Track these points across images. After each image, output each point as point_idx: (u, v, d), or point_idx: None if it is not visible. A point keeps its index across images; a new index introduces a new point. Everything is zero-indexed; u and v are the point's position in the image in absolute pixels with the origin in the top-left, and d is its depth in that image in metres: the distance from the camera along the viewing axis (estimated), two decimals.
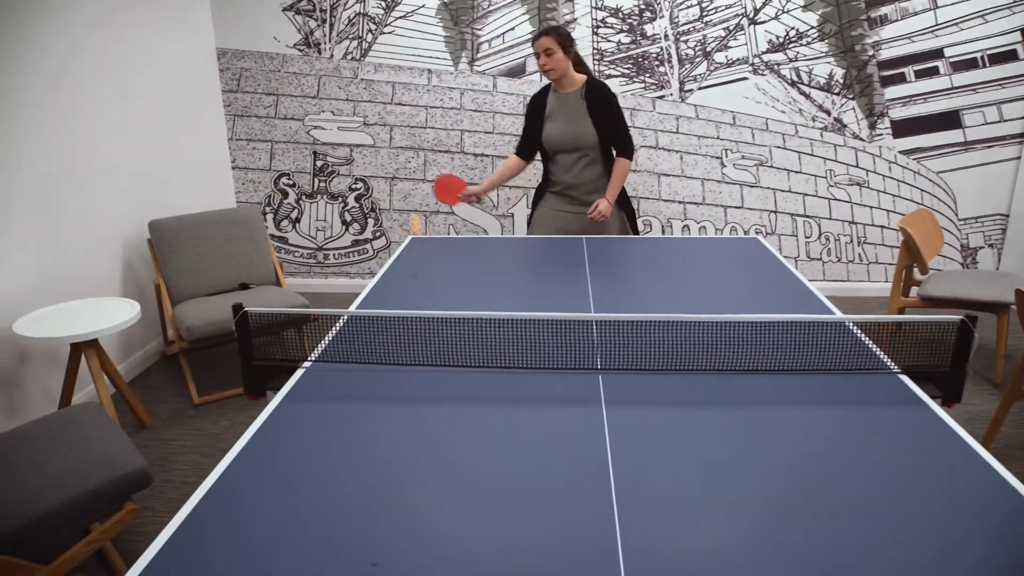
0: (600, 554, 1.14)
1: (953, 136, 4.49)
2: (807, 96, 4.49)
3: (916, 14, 4.29)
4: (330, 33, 4.52)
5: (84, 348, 2.90)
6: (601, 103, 3.19)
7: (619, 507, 1.26)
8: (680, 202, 4.69)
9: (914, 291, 3.92)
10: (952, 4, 4.25)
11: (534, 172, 4.62)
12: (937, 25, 4.30)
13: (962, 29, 4.29)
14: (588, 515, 1.24)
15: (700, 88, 4.48)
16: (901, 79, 4.42)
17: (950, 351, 1.73)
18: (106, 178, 3.51)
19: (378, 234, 4.84)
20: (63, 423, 2.31)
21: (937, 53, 4.35)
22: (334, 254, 4.90)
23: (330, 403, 1.67)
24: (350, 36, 4.52)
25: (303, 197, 4.79)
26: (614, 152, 3.29)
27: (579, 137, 3.21)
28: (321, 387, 1.75)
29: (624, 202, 3.41)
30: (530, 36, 4.45)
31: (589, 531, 1.20)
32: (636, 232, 3.49)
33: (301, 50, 4.55)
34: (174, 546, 1.18)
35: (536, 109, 3.30)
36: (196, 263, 3.68)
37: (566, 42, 3.14)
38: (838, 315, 1.88)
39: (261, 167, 4.74)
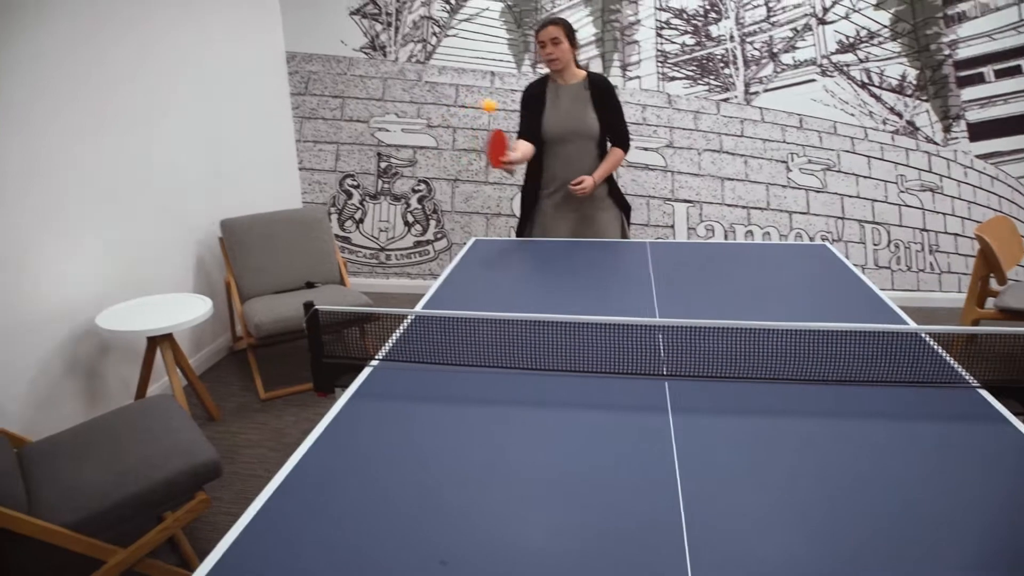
0: (667, 564, 1.14)
1: None
2: (878, 98, 4.36)
3: (998, 9, 4.13)
4: (395, 36, 4.59)
5: (159, 342, 3.01)
6: (605, 95, 3.19)
7: (687, 516, 1.25)
8: (744, 207, 4.61)
9: (990, 302, 3.77)
10: None
11: None
12: (1021, 21, 4.13)
13: None
14: (655, 523, 1.23)
15: (766, 90, 4.40)
16: (979, 79, 4.26)
17: None
18: (180, 178, 3.63)
19: (439, 235, 4.90)
20: (140, 413, 2.40)
21: (1020, 51, 4.18)
22: (396, 255, 4.98)
23: (398, 401, 1.70)
24: (415, 39, 4.58)
25: (367, 198, 4.88)
26: (608, 145, 3.27)
27: (583, 126, 3.17)
28: (389, 386, 1.79)
29: (621, 202, 3.36)
30: (594, 38, 4.44)
31: (656, 539, 1.19)
32: (627, 235, 3.42)
33: (367, 53, 4.64)
34: (246, 540, 1.22)
35: (534, 99, 3.23)
36: (264, 261, 3.78)
37: (571, 34, 3.13)
38: (912, 326, 1.83)
39: (327, 168, 4.85)
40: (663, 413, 1.61)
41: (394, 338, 2.07)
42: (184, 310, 3.06)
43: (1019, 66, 4.20)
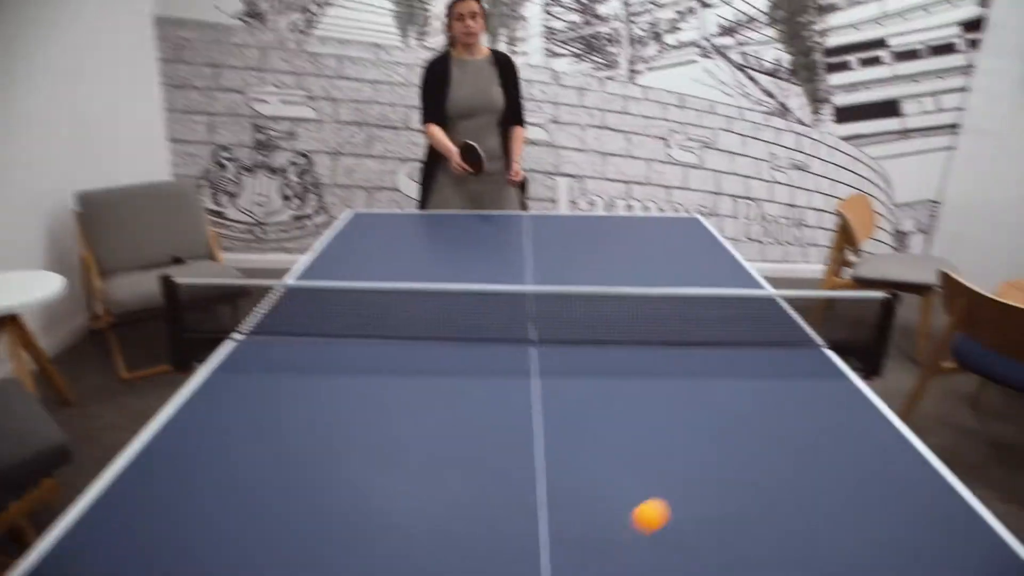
0: (523, 525, 1.14)
1: (892, 124, 4.60)
2: (754, 80, 4.53)
3: (862, 3, 4.37)
4: (275, 4, 4.38)
5: (3, 324, 2.78)
6: (510, 72, 3.27)
7: (548, 475, 1.25)
8: (624, 182, 4.71)
9: (848, 273, 4.01)
10: None
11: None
12: (883, 15, 4.38)
13: (906, 19, 4.38)
14: (514, 483, 1.23)
15: (649, 69, 4.49)
16: (845, 67, 4.50)
17: (873, 327, 1.76)
18: (30, 145, 3.35)
19: (319, 210, 4.75)
20: None
21: (881, 43, 4.44)
22: (273, 229, 4.79)
23: (261, 375, 1.63)
24: (296, 7, 4.39)
25: (242, 171, 4.66)
26: (508, 124, 3.34)
27: (490, 101, 3.22)
28: (252, 360, 1.71)
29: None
30: None
31: (514, 500, 1.19)
32: (525, 207, 3.48)
33: (245, 21, 4.41)
34: (89, 520, 1.14)
35: (437, 75, 3.21)
36: (127, 236, 3.56)
37: (484, 11, 3.18)
38: (768, 290, 1.91)
39: (199, 140, 4.59)
40: (528, 378, 1.61)
41: (259, 311, 1.98)
42: (31, 288, 2.83)
43: (878, 57, 4.46)
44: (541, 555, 1.07)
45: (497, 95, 3.23)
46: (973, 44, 4.39)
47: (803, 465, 1.30)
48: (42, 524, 2.34)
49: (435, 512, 1.16)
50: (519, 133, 3.36)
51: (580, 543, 1.09)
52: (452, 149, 3.14)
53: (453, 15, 3.13)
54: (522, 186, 3.44)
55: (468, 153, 3.11)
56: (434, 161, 3.35)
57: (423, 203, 3.42)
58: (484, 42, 3.30)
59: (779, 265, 4.90)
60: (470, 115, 3.22)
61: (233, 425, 1.41)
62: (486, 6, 4.35)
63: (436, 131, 3.23)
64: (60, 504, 2.47)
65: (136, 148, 4.26)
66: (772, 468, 1.29)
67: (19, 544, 2.23)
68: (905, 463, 1.32)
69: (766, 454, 1.33)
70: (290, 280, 2.23)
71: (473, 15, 3.10)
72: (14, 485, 1.98)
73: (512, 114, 3.32)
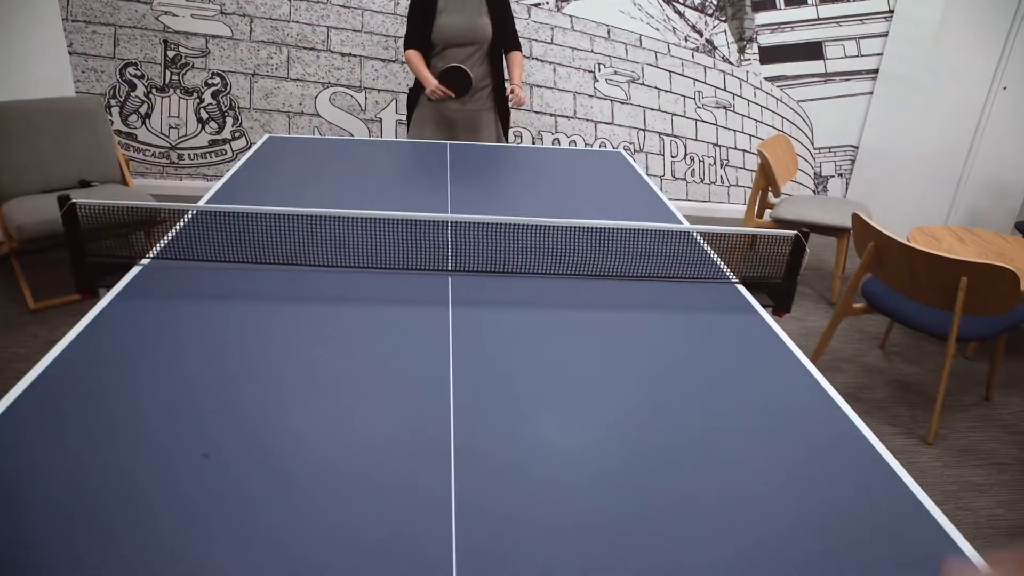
0: (434, 453, 1.15)
1: (815, 67, 4.68)
2: (681, 15, 4.52)
3: None
4: None
5: None
6: (500, 1, 3.26)
7: (455, 404, 1.27)
8: (551, 115, 4.67)
9: (767, 214, 4.13)
10: None
11: (404, 76, 4.45)
12: None
13: None
14: (426, 413, 1.24)
15: None
16: (772, 5, 4.53)
17: (784, 264, 1.83)
18: None
19: (237, 134, 4.56)
20: None
21: None
22: (189, 154, 4.58)
23: (169, 301, 1.57)
24: None
25: (153, 91, 4.41)
26: (503, 49, 3.36)
27: (477, 31, 3.20)
28: (161, 285, 1.65)
29: (502, 106, 3.44)
30: None
31: (426, 430, 1.20)
32: (507, 138, 3.50)
33: None
34: None
35: (425, 4, 3.19)
36: (27, 157, 3.34)
37: None
38: (685, 225, 1.95)
39: (104, 54, 4.30)
40: (443, 307, 1.61)
41: (169, 236, 1.91)
42: None
43: None
44: (452, 496, 1.09)
45: (484, 25, 3.20)
46: None
47: (709, 398, 1.35)
48: None
49: (343, 445, 1.16)
50: (518, 58, 3.36)
51: (488, 477, 1.11)
52: (428, 77, 3.17)
53: None
54: (505, 117, 3.47)
55: (451, 76, 3.12)
56: (417, 89, 3.35)
57: (408, 127, 3.45)
58: None
59: (702, 204, 5.00)
60: (457, 44, 3.20)
61: (136, 353, 1.37)
62: None
63: (414, 57, 3.23)
64: None
65: (33, 60, 3.97)
66: (679, 400, 1.33)
67: None
68: (808, 398, 1.38)
69: (674, 386, 1.37)
70: (203, 202, 2.15)
71: None
72: None
73: (508, 40, 3.34)
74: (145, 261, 1.77)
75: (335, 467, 1.10)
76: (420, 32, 3.20)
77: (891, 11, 4.51)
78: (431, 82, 3.15)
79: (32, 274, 3.53)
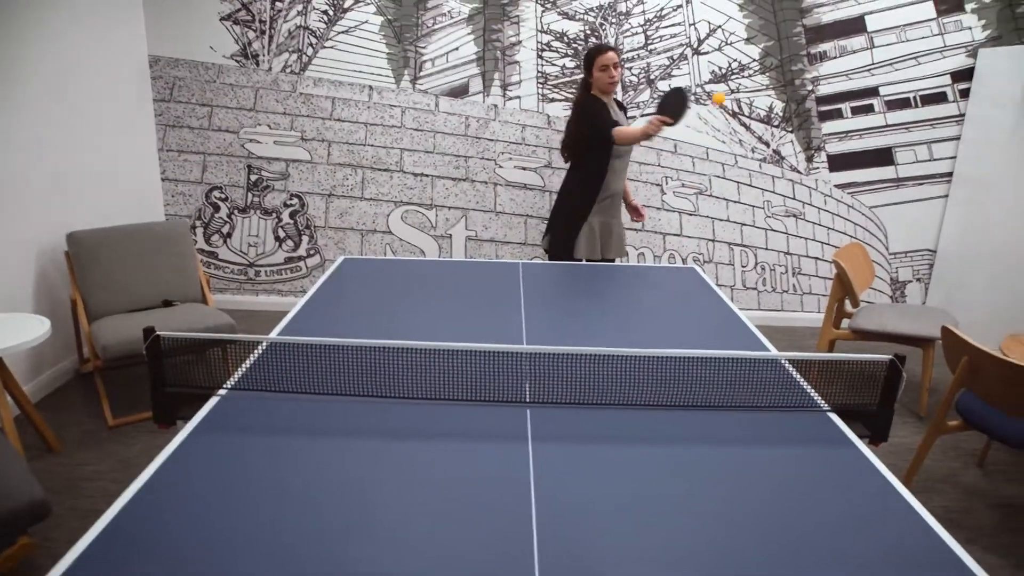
0: None
1: (886, 172, 4.61)
2: (747, 127, 4.55)
3: (854, 52, 4.41)
4: (269, 45, 4.40)
5: None
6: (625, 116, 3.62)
7: (539, 541, 1.19)
8: None
9: (845, 323, 3.98)
10: (887, 45, 4.38)
11: (475, 193, 4.57)
12: (873, 64, 4.42)
13: (896, 69, 4.42)
14: (509, 552, 1.17)
15: (643, 115, 4.50)
16: (838, 115, 4.53)
17: (879, 390, 1.72)
18: (22, 184, 3.31)
19: (312, 252, 4.71)
20: None
21: (873, 91, 4.47)
22: (266, 271, 4.74)
23: (245, 434, 1.57)
24: (290, 49, 4.41)
25: (235, 212, 4.63)
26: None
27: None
28: (236, 417, 1.65)
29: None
30: (475, 56, 4.41)
31: (507, 567, 1.13)
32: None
33: (238, 61, 4.42)
34: None
35: (605, 109, 3.42)
36: (117, 278, 3.50)
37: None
38: (772, 352, 1.87)
39: (192, 179, 4.57)
40: (523, 441, 1.56)
41: (247, 365, 1.93)
42: (16, 331, 2.77)
43: (871, 105, 4.49)
44: None
45: None
46: (964, 94, 4.42)
47: (804, 535, 1.24)
48: None
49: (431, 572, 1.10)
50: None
51: None
52: (641, 125, 3.22)
53: (597, 66, 3.40)
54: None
55: (671, 103, 3.17)
56: (590, 197, 3.52)
57: (568, 241, 3.53)
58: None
59: (775, 313, 4.87)
60: (622, 155, 3.51)
61: (213, 489, 1.35)
62: (478, 51, 4.40)
63: (622, 128, 3.33)
64: (36, 559, 2.38)
65: (130, 188, 4.23)
66: (772, 540, 1.23)
67: None
68: (910, 532, 1.26)
69: (766, 525, 1.27)
70: (279, 330, 2.18)
71: (617, 66, 3.40)
72: None
73: None
74: (222, 392, 1.79)
75: None
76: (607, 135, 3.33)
77: (962, 115, 4.45)
78: (653, 121, 3.14)
79: (111, 388, 3.63)
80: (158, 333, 1.78)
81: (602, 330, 2.25)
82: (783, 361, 2.06)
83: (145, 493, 1.34)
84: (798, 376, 1.95)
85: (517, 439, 1.57)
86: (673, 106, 3.16)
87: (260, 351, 2.01)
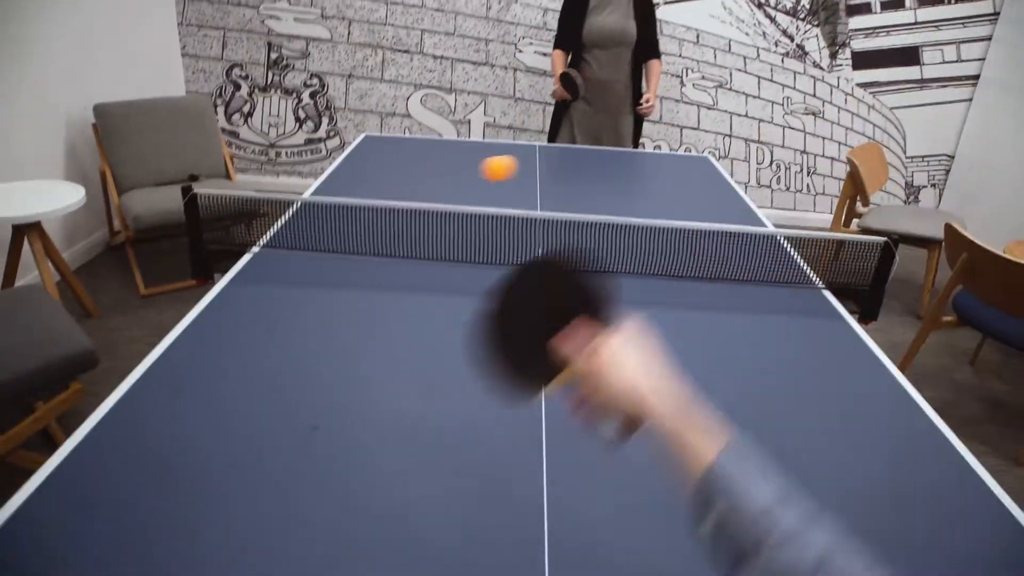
0: (526, 432, 1.22)
1: (911, 72, 4.55)
2: (772, 20, 4.47)
3: None
4: None
5: (27, 231, 2.84)
6: (645, 5, 3.33)
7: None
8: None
9: (855, 223, 4.05)
10: None
11: (503, 79, 4.55)
12: None
13: None
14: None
15: (666, 3, 4.42)
16: (867, 9, 4.43)
17: (871, 271, 1.82)
18: (48, 56, 3.36)
19: (332, 133, 4.76)
20: (7, 304, 2.29)
21: None
22: (286, 152, 4.81)
23: (276, 286, 1.70)
24: None
25: (256, 91, 4.65)
26: (643, 56, 3.41)
27: (626, 33, 3.29)
28: (269, 271, 1.78)
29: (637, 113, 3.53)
30: None
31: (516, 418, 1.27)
32: (635, 146, 3.60)
33: None
34: (112, 421, 1.21)
35: (577, 3, 3.31)
36: (144, 152, 3.59)
37: None
38: (770, 228, 1.96)
39: (213, 56, 4.57)
40: None
41: (277, 226, 2.05)
42: (54, 198, 2.89)
43: (903, 0, 4.39)
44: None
45: (631, 28, 3.29)
46: None
47: (798, 402, 1.38)
48: (71, 427, 2.46)
49: (443, 410, 1.24)
50: (656, 67, 3.44)
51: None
52: (559, 71, 3.32)
53: None
54: (639, 122, 3.53)
55: (565, 81, 3.24)
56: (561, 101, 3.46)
57: (553, 131, 3.55)
58: None
59: (788, 212, 4.93)
60: (604, 45, 3.30)
61: (247, 331, 1.49)
62: None
63: (556, 58, 3.38)
64: (86, 407, 2.58)
65: (152, 62, 4.25)
66: (766, 403, 1.36)
67: (49, 443, 2.35)
68: (895, 407, 1.39)
69: (762, 389, 1.41)
70: (307, 196, 2.29)
71: None
72: (43, 387, 2.07)
73: (648, 47, 3.40)
74: (256, 249, 1.91)
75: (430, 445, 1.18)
76: (570, 32, 3.32)
77: (996, 13, 4.35)
78: (555, 84, 3.30)
79: (141, 261, 3.78)
80: (196, 191, 1.89)
81: (615, 208, 2.34)
82: (780, 238, 2.16)
83: (184, 337, 1.48)
84: (797, 256, 2.05)
85: None
86: (572, 89, 3.24)
87: (289, 215, 2.12)
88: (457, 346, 1.48)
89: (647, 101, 3.33)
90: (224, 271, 1.81)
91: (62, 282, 3.22)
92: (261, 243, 1.94)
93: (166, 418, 1.21)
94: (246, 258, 1.85)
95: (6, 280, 2.96)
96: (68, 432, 2.32)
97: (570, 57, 3.43)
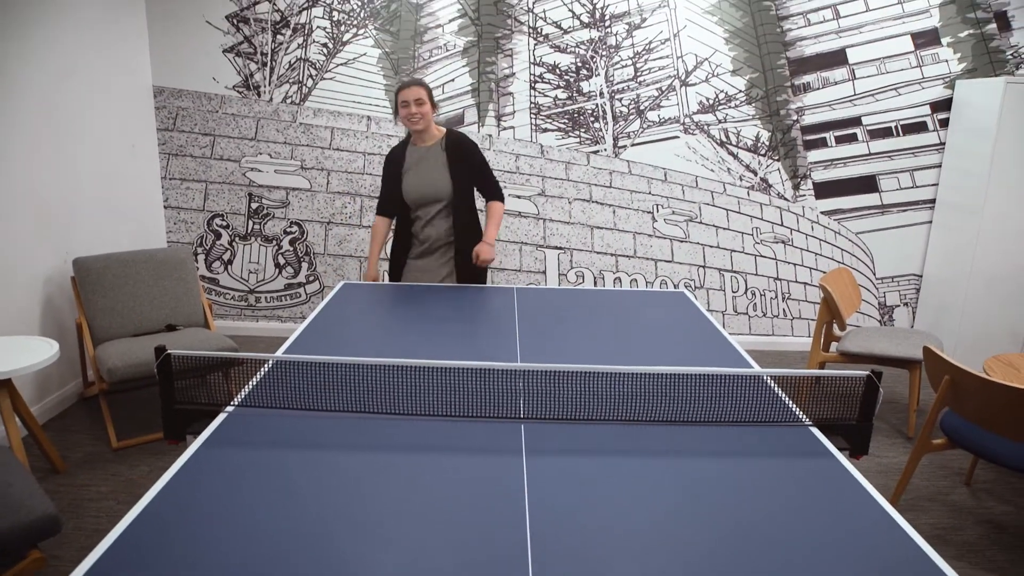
0: None
1: (871, 199, 4.74)
2: (735, 156, 4.68)
3: (836, 84, 4.56)
4: (270, 76, 4.53)
5: None
6: (461, 154, 3.20)
7: (532, 545, 1.27)
8: (612, 255, 4.80)
9: (834, 347, 4.08)
10: (868, 77, 4.53)
11: None
12: (855, 95, 4.57)
13: (878, 100, 4.56)
14: (504, 556, 1.25)
15: (633, 144, 4.64)
16: (823, 143, 4.67)
17: (858, 405, 1.81)
18: (29, 210, 3.41)
19: (312, 278, 4.80)
20: None
21: (855, 121, 4.62)
22: (266, 297, 4.83)
23: (251, 449, 1.64)
24: (290, 80, 4.54)
25: (236, 239, 4.73)
26: (483, 201, 3.31)
27: (435, 191, 3.18)
28: (243, 432, 1.73)
29: (465, 266, 3.32)
30: (470, 88, 4.55)
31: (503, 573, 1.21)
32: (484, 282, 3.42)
33: (240, 92, 4.55)
34: None
35: (394, 164, 3.25)
36: (121, 303, 3.58)
37: (432, 96, 3.15)
38: (755, 368, 1.96)
39: (194, 207, 4.67)
40: (518, 455, 1.64)
41: (252, 383, 2.01)
42: (25, 354, 2.85)
43: (855, 134, 4.64)
44: None
45: (443, 182, 3.17)
46: (943, 123, 4.57)
47: (789, 547, 1.32)
48: None
49: None
50: (495, 209, 3.29)
51: None
52: (372, 260, 3.36)
53: (399, 102, 3.10)
54: (471, 274, 3.33)
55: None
56: (402, 249, 3.35)
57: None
58: (458, 120, 3.32)
59: (766, 338, 4.97)
60: (422, 204, 3.22)
61: (219, 503, 1.42)
62: (473, 83, 4.53)
63: (376, 229, 3.35)
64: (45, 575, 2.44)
65: (134, 215, 4.33)
66: (758, 551, 1.31)
67: None
68: (892, 544, 1.34)
69: (752, 536, 1.35)
70: (281, 352, 2.26)
71: (418, 101, 3.06)
72: (1, 555, 1.96)
73: (485, 192, 3.30)
74: (229, 409, 1.86)
75: None
76: (390, 197, 3.26)
77: (942, 144, 4.59)
78: (371, 268, 3.36)
79: (115, 410, 3.70)
80: (169, 352, 1.86)
81: (593, 350, 2.34)
82: (766, 377, 2.15)
83: (156, 503, 1.41)
84: (781, 393, 2.04)
85: (511, 452, 1.65)
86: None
87: (265, 370, 2.09)
88: (441, 508, 1.42)
89: (477, 254, 3.20)
90: (197, 432, 1.76)
91: (30, 437, 3.12)
92: (235, 402, 1.89)
93: None
94: (220, 418, 1.81)
95: None
96: None
97: (395, 222, 3.35)
